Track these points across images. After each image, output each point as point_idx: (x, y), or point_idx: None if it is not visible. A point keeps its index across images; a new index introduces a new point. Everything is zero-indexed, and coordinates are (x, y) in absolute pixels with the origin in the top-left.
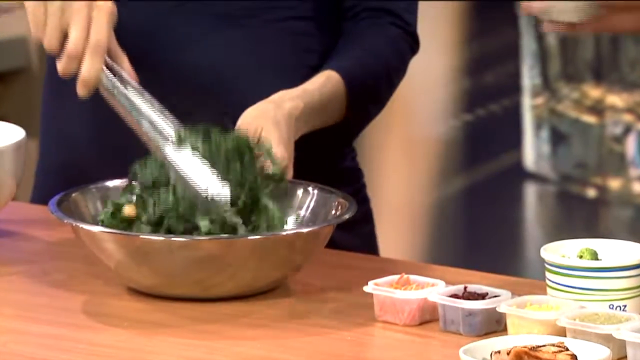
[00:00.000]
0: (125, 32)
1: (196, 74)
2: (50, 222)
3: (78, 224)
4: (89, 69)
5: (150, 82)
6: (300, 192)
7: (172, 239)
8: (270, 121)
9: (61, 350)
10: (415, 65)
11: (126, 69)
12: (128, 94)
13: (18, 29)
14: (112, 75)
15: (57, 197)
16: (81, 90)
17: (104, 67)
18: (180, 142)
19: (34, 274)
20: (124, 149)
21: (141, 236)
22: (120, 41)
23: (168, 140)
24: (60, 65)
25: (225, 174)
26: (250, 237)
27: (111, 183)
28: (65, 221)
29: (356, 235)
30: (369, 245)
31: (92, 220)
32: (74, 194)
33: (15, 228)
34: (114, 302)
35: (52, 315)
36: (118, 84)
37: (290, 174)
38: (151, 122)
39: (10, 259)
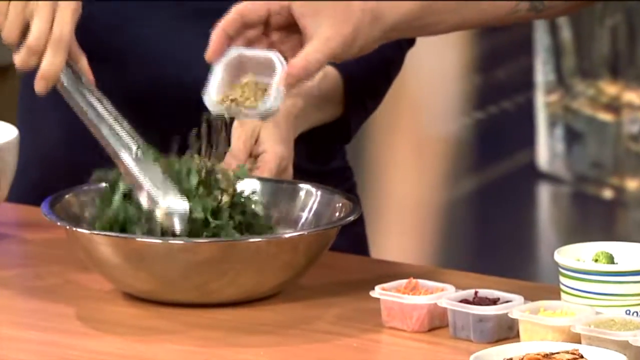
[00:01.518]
0: (99, 30)
1: (176, 73)
2: (44, 224)
3: (72, 227)
4: (50, 64)
5: (127, 82)
6: (303, 193)
7: (170, 241)
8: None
9: (55, 358)
10: (424, 60)
11: (84, 69)
12: (87, 96)
13: None
14: (72, 74)
15: (50, 198)
16: (39, 86)
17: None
18: (140, 152)
19: (27, 278)
20: (96, 147)
21: (138, 239)
22: (93, 40)
23: (127, 147)
24: (19, 58)
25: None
26: (251, 240)
27: (103, 185)
28: (59, 224)
29: (346, 236)
30: (359, 246)
31: (86, 222)
32: (67, 195)
33: (8, 230)
34: (110, 308)
35: (46, 321)
36: (78, 83)
37: (289, 174)
38: (110, 127)
39: (3, 262)
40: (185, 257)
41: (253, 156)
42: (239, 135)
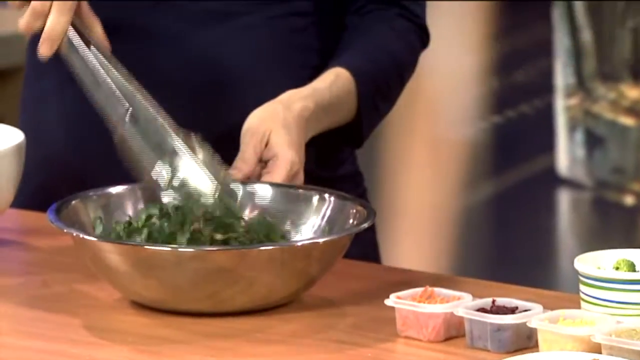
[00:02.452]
0: (109, 29)
1: (187, 74)
2: (50, 230)
3: (80, 234)
4: (54, 24)
5: (139, 82)
6: (315, 199)
7: (180, 249)
8: (280, 124)
9: None
10: (440, 62)
11: (98, 36)
12: (91, 61)
13: (14, 25)
14: (78, 38)
15: (55, 205)
16: (43, 48)
17: (71, 28)
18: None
19: (33, 286)
20: (100, 150)
21: (146, 247)
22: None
23: (122, 118)
24: (23, 21)
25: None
26: (263, 248)
27: (113, 189)
28: (66, 231)
29: (357, 242)
30: (370, 253)
31: (93, 228)
32: (73, 201)
33: (14, 237)
34: (118, 317)
35: (52, 330)
36: (84, 48)
37: (301, 180)
38: (108, 96)
39: (8, 270)
40: (196, 265)
41: (263, 161)
42: (249, 140)
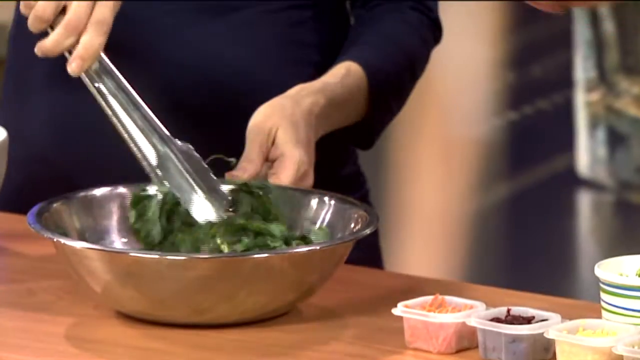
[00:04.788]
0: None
1: (183, 73)
2: (35, 234)
3: (60, 239)
4: (90, 43)
5: (134, 80)
6: (314, 202)
7: (168, 257)
8: (287, 120)
9: None
10: (452, 55)
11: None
12: (124, 83)
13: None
14: (107, 62)
15: (37, 207)
16: (76, 65)
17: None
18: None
19: (17, 295)
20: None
21: (131, 253)
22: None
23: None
24: (52, 38)
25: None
26: (256, 256)
27: (98, 191)
28: (46, 236)
29: (359, 247)
30: (372, 258)
31: (76, 234)
32: (55, 204)
33: None
34: (105, 327)
35: (37, 342)
36: (113, 72)
37: (310, 182)
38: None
39: None
40: (184, 274)
41: (270, 160)
42: (254, 138)
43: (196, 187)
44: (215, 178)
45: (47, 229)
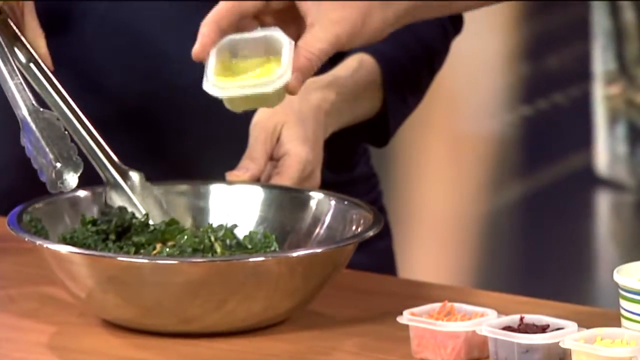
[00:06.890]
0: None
1: (170, 67)
2: (18, 238)
3: (42, 243)
4: None
5: (115, 77)
6: (314, 203)
7: (159, 262)
8: (294, 116)
9: None
10: (462, 47)
11: (41, 52)
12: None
13: None
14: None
15: (18, 208)
16: None
17: None
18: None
19: None
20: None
21: (117, 258)
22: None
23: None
24: None
25: None
26: (253, 260)
27: (82, 193)
28: (27, 239)
29: (370, 252)
30: (385, 263)
31: (59, 237)
32: (37, 205)
33: None
34: (90, 337)
35: (17, 352)
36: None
37: (316, 182)
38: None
39: None
40: (170, 280)
41: (274, 159)
42: (257, 134)
43: (50, 154)
44: (73, 145)
45: (28, 232)
